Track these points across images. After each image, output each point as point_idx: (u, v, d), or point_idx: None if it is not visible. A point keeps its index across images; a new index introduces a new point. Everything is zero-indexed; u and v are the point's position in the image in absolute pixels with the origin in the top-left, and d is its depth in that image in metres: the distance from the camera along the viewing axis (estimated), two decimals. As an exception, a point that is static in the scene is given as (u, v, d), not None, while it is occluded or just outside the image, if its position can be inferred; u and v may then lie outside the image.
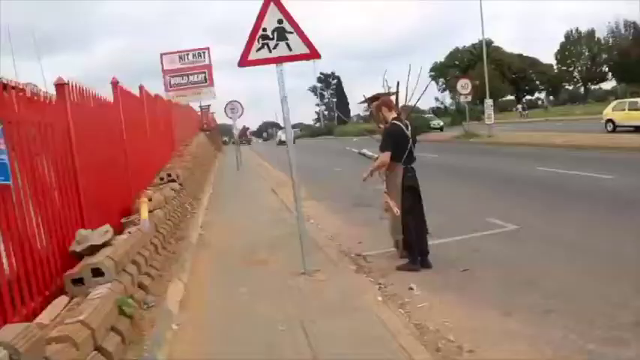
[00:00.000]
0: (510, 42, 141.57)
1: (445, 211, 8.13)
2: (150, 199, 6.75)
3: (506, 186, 11.27)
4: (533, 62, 79.53)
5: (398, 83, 6.75)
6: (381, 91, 7.28)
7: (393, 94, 6.67)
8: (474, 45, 76.14)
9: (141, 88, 9.90)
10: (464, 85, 26.30)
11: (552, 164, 13.79)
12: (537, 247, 6.29)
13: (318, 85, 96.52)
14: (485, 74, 27.71)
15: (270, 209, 10.27)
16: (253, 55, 5.43)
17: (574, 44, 70.50)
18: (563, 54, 72.08)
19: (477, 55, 74.83)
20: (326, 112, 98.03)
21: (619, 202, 8.40)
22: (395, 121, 5.68)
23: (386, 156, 5.62)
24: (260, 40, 5.40)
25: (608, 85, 70.21)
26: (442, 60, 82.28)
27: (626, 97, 29.81)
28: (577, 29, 70.56)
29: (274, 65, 5.46)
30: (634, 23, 58.59)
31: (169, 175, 9.93)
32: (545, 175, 12.35)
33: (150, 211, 6.33)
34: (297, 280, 5.49)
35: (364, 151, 6.77)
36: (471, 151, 22.88)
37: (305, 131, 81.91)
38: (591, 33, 68.51)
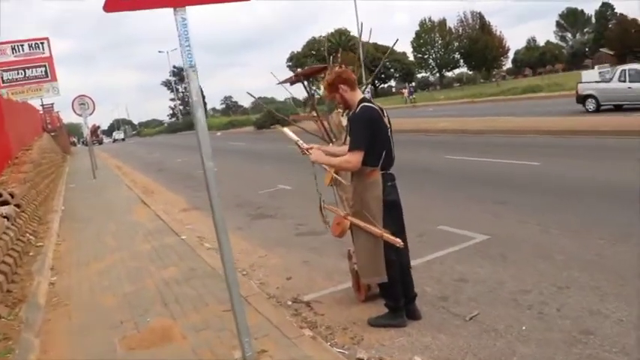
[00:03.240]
0: (364, 32, 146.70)
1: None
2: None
3: (443, 183, 9.89)
4: (386, 51, 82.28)
5: (332, 56, 4.82)
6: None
7: (324, 68, 4.71)
8: (332, 34, 77.13)
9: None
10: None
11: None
12: (528, 264, 4.78)
13: (172, 78, 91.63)
14: (362, 60, 26.72)
15: (147, 231, 7.79)
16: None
17: (428, 32, 73.93)
18: (418, 42, 75.13)
19: (335, 44, 76.07)
20: (181, 107, 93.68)
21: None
22: (367, 104, 3.73)
23: (357, 156, 3.62)
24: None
25: (462, 71, 75.29)
26: (299, 50, 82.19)
27: (478, 83, 30.77)
28: (430, 18, 74.16)
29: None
30: (480, 13, 62.92)
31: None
32: (458, 164, 11.26)
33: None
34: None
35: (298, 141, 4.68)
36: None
37: (161, 128, 77.81)
38: (443, 22, 72.36)
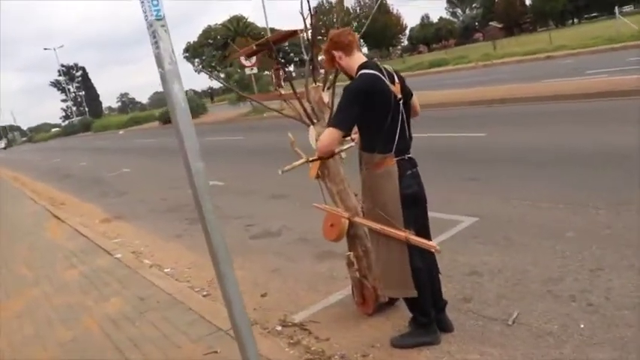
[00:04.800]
0: (261, 17, 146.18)
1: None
2: None
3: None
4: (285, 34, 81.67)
5: (312, 13, 3.83)
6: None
7: (294, 32, 3.81)
8: (229, 20, 75.12)
9: None
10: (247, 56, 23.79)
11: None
12: (540, 246, 4.23)
13: (62, 78, 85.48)
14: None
15: (69, 252, 6.50)
16: None
17: (326, 14, 73.69)
18: (317, 24, 74.75)
19: (234, 31, 74.14)
20: (74, 108, 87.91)
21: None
22: (366, 70, 2.90)
23: (330, 135, 2.85)
24: None
25: (363, 51, 75.78)
26: (195, 40, 79.64)
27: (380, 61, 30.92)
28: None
29: None
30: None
31: None
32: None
33: None
34: None
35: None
36: (280, 127, 20.76)
37: (57, 131, 72.73)
38: (341, 2, 72.30)
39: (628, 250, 3.85)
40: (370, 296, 3.58)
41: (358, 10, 70.17)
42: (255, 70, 24.41)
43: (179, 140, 2.02)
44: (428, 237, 3.06)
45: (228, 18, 78.12)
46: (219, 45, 77.66)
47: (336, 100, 3.58)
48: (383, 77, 2.84)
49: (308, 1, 3.43)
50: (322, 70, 3.71)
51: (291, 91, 3.78)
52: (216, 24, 79.49)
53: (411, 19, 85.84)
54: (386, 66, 2.97)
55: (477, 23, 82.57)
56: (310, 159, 3.37)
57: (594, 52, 22.34)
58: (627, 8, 50.61)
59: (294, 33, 3.73)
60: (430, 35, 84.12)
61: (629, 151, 6.41)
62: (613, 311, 3.11)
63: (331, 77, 3.66)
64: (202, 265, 5.38)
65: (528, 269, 3.86)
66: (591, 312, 3.15)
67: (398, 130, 2.88)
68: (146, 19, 1.95)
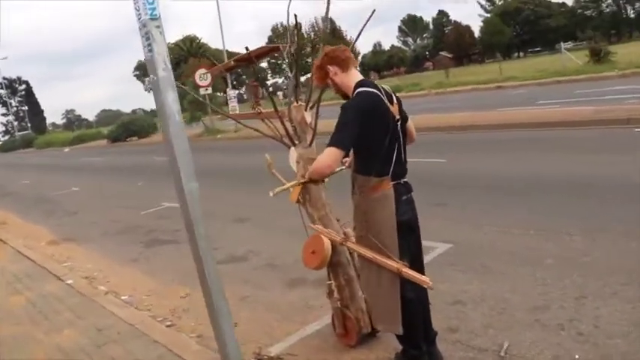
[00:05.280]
0: (215, 38, 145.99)
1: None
2: None
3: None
4: (232, 56, 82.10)
5: (297, 24, 3.65)
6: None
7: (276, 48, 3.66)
8: (182, 40, 74.48)
9: None
10: (202, 76, 23.37)
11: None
12: (518, 273, 4.17)
13: (2, 91, 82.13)
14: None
15: (14, 276, 5.98)
16: None
17: (280, 37, 74.22)
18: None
19: (187, 51, 73.41)
20: (16, 123, 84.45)
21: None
22: (365, 88, 2.74)
23: (330, 155, 2.61)
24: None
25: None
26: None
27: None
28: (282, 23, 74.57)
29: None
30: (330, 18, 64.49)
31: None
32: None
33: None
34: None
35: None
36: (235, 148, 20.38)
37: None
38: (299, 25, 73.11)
39: (610, 277, 3.82)
40: (353, 327, 3.37)
41: (312, 35, 70.96)
42: (209, 91, 24.00)
43: (170, 157, 1.79)
44: (421, 268, 2.91)
45: (182, 38, 77.47)
46: (172, 64, 76.81)
47: (321, 121, 3.44)
48: (382, 96, 2.70)
49: (295, 16, 3.25)
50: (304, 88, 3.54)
51: (271, 110, 3.59)
52: (170, 43, 78.65)
53: (363, 46, 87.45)
54: (384, 85, 2.83)
55: (427, 52, 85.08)
56: (302, 181, 3.16)
57: (542, 84, 23.24)
58: (567, 45, 53.32)
59: (275, 48, 3.58)
60: (382, 62, 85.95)
61: (593, 179, 6.53)
62: (605, 340, 3.04)
63: (316, 96, 3.49)
64: (163, 293, 5.07)
65: (509, 297, 3.77)
66: (582, 342, 3.06)
67: (395, 153, 2.73)
68: (139, 19, 1.73)
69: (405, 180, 2.81)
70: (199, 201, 1.80)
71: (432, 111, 18.40)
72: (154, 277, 5.63)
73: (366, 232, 2.77)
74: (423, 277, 2.61)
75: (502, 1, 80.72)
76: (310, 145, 3.43)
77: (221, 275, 5.24)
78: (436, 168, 8.93)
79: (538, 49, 75.17)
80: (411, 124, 2.94)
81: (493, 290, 3.92)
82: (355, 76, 2.83)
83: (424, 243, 5.04)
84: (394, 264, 2.68)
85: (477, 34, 78.52)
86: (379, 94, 2.70)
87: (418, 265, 2.88)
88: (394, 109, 2.73)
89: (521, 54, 78.79)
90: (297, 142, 3.44)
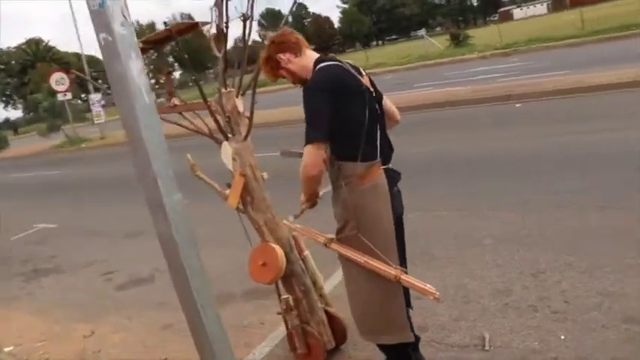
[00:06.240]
0: (66, 42, 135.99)
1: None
2: None
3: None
4: (91, 60, 76.64)
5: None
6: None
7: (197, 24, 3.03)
8: (27, 44, 67.97)
9: None
10: (59, 80, 21.06)
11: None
12: (465, 257, 4.02)
13: None
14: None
15: None
16: None
17: (137, 37, 70.51)
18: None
19: (33, 55, 66.95)
20: None
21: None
22: (327, 62, 2.31)
23: (314, 151, 2.18)
24: None
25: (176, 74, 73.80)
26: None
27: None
28: (138, 21, 70.74)
29: None
30: (189, 15, 62.42)
31: None
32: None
33: None
34: None
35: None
36: (104, 157, 18.63)
37: None
38: (152, 25, 69.68)
39: (555, 250, 3.79)
40: (317, 344, 2.96)
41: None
42: (68, 96, 21.77)
43: (139, 159, 1.22)
44: (405, 265, 2.54)
45: (25, 41, 70.56)
46: (16, 71, 69.65)
47: (258, 111, 2.95)
48: (348, 68, 2.28)
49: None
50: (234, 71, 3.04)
51: (196, 101, 3.01)
52: (9, 47, 71.23)
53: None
54: (347, 60, 2.42)
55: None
56: (305, 206, 2.57)
57: (409, 68, 24.28)
58: (421, 32, 56.69)
59: (195, 25, 2.98)
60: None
61: (506, 156, 6.63)
62: (581, 315, 2.94)
63: (247, 80, 3.00)
64: (60, 335, 4.22)
65: (466, 284, 3.59)
66: (561, 320, 2.94)
67: (378, 132, 2.33)
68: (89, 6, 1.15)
69: (392, 166, 2.43)
70: (187, 218, 1.26)
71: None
72: (43, 316, 4.70)
73: (357, 230, 2.33)
74: (428, 286, 2.23)
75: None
76: (246, 138, 2.93)
77: (128, 302, 4.57)
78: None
79: (394, 37, 79.22)
80: (388, 101, 2.55)
81: (449, 279, 3.71)
82: (311, 56, 2.41)
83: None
84: (392, 271, 2.28)
85: (336, 24, 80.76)
86: (342, 65, 2.29)
87: (404, 263, 2.52)
88: (365, 80, 2.34)
89: (380, 42, 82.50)
90: (230, 135, 2.92)
